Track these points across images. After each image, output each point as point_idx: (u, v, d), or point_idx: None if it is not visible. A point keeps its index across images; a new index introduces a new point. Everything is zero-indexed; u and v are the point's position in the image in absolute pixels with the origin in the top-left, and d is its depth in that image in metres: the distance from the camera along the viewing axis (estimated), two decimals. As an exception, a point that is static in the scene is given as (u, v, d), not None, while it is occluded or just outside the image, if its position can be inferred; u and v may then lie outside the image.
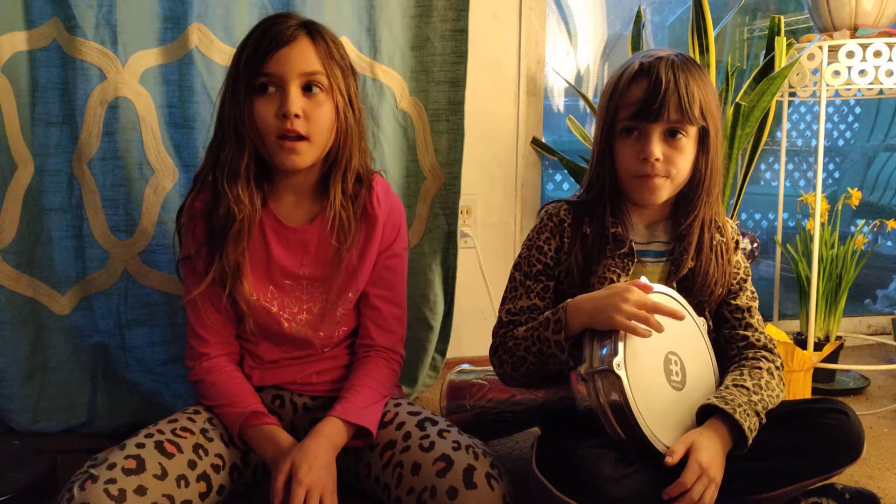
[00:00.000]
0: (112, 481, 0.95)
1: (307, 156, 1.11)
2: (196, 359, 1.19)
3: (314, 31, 1.11)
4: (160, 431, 1.07)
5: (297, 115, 1.07)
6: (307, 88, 1.10)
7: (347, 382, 1.19)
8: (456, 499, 0.98)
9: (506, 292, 1.21)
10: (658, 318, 1.00)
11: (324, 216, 1.17)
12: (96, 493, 0.94)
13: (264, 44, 1.08)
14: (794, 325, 2.05)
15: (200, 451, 1.08)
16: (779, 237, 2.05)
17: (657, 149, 1.06)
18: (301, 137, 1.09)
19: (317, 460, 1.03)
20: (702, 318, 1.15)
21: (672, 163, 1.08)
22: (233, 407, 1.13)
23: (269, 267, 1.18)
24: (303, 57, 1.09)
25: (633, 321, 0.98)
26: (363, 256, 1.20)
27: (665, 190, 1.10)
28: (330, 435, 1.08)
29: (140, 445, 1.03)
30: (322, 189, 1.19)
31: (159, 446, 1.04)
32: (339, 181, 1.16)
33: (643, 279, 1.05)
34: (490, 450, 1.09)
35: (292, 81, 1.08)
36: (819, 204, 1.78)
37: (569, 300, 1.06)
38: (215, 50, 1.51)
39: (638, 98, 1.07)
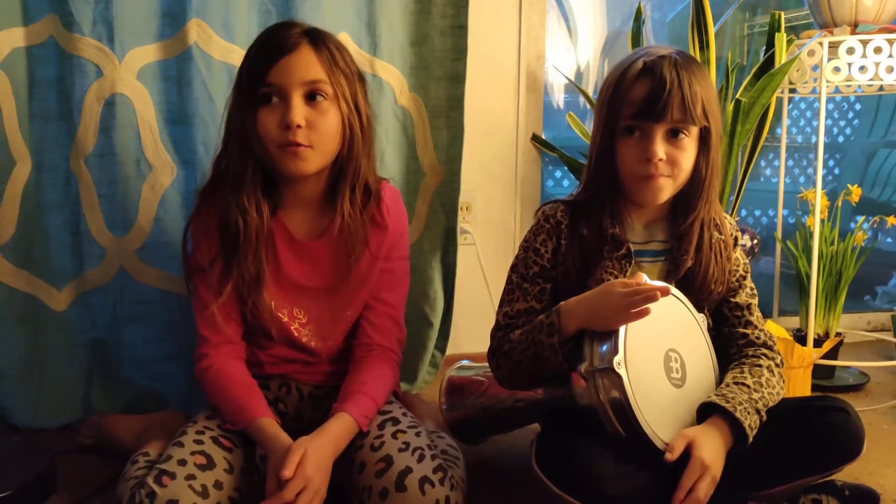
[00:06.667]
0: (192, 477, 0.98)
1: (312, 162, 1.11)
2: (197, 359, 1.18)
3: (317, 39, 1.11)
4: (207, 428, 1.08)
5: (299, 126, 1.07)
6: (310, 97, 1.09)
7: (351, 384, 1.17)
8: (385, 500, 0.99)
9: (503, 294, 1.19)
10: (657, 315, 1.00)
11: (331, 231, 1.17)
12: (180, 487, 0.96)
13: (266, 54, 1.08)
14: (794, 321, 2.05)
15: (250, 443, 1.10)
16: (779, 234, 2.05)
17: (660, 149, 1.05)
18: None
19: (325, 463, 1.03)
20: (701, 315, 1.15)
21: (674, 163, 1.07)
22: (231, 413, 1.12)
23: (278, 277, 1.19)
24: (305, 65, 1.08)
25: (632, 319, 0.98)
26: (372, 266, 1.20)
27: (667, 190, 1.09)
28: (340, 434, 1.07)
29: (199, 442, 1.04)
30: (330, 199, 1.18)
31: (216, 441, 1.06)
32: (347, 192, 1.15)
33: (644, 277, 1.04)
34: (455, 454, 1.10)
35: (294, 91, 1.07)
36: (819, 200, 1.78)
37: (561, 303, 1.05)
38: (214, 46, 1.50)
39: (641, 97, 1.06)
